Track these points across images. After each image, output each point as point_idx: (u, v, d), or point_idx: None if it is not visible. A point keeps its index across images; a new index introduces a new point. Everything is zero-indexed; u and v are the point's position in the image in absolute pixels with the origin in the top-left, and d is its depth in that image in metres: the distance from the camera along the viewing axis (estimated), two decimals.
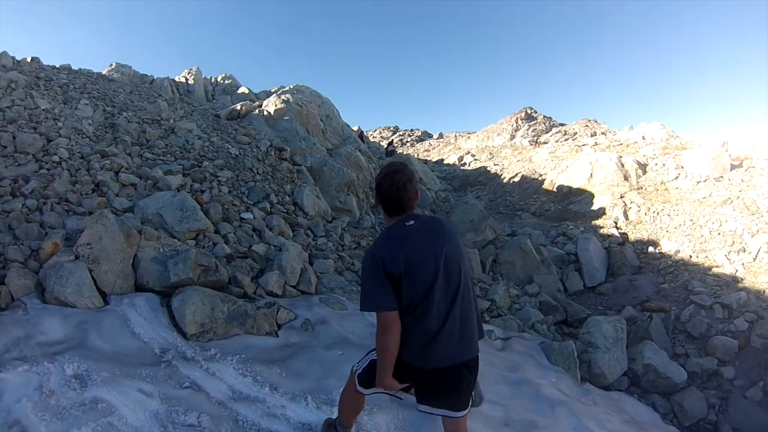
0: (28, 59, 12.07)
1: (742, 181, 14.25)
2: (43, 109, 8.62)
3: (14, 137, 7.19)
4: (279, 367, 4.09)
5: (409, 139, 42.38)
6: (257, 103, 13.99)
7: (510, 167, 22.36)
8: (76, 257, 4.65)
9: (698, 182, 14.80)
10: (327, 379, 4.02)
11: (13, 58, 11.39)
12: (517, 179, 20.10)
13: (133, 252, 5.06)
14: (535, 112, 35.95)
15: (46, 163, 6.84)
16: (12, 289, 4.20)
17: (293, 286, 5.93)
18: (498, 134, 33.08)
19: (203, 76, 17.44)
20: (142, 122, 9.78)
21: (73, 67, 13.24)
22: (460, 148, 32.58)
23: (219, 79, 18.90)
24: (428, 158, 30.31)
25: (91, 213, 5.67)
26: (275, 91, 16.16)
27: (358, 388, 2.84)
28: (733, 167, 15.18)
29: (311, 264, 6.64)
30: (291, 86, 14.79)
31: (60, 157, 7.03)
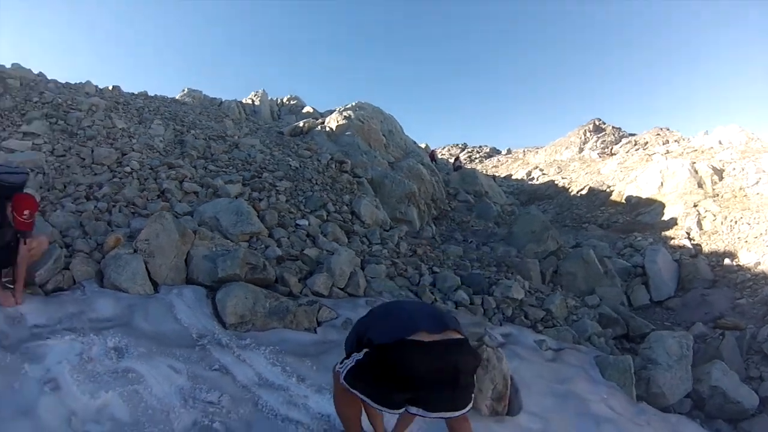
0: (110, 87, 13.18)
1: None
2: (120, 128, 9.38)
3: (92, 151, 7.86)
4: (311, 361, 4.12)
5: (477, 155, 42.15)
6: (320, 120, 14.45)
7: (578, 180, 21.77)
8: (135, 251, 4.96)
9: None
10: None
11: (96, 86, 12.50)
12: (584, 192, 19.49)
13: (187, 249, 5.36)
14: (604, 123, 34.93)
15: (119, 173, 7.36)
16: (75, 274, 4.54)
17: (341, 288, 5.99)
18: (566, 147, 32.37)
19: (269, 98, 18.24)
20: (208, 139, 10.32)
21: (149, 93, 14.28)
22: (528, 163, 32.13)
23: (285, 100, 19.69)
24: (496, 174, 29.99)
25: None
26: (339, 110, 16.61)
27: (343, 382, 2.57)
28: None
29: (362, 269, 6.68)
30: (353, 103, 15.19)
31: (132, 168, 7.54)
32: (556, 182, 22.88)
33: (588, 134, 33.42)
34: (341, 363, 2.65)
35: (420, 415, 2.44)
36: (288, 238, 6.75)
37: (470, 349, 2.49)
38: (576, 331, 6.95)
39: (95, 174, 7.31)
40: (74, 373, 3.19)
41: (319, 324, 4.93)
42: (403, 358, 2.31)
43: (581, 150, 30.83)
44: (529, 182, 25.25)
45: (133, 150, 8.37)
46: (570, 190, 20.79)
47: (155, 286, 4.81)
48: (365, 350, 2.50)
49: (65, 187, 6.69)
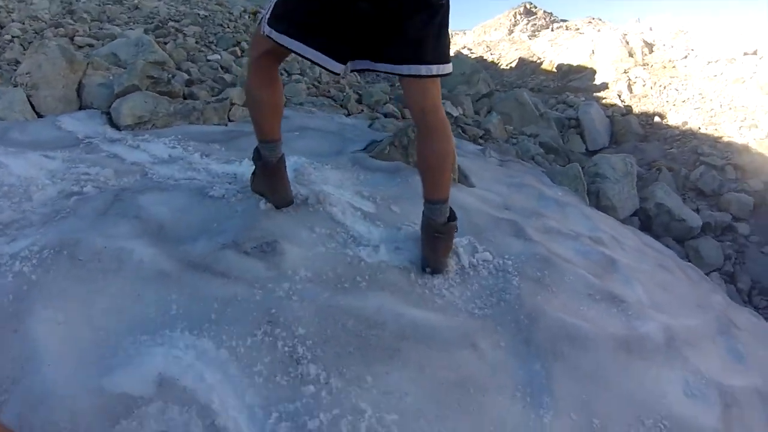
0: None
1: (756, 65, 13.45)
2: None
3: None
4: (220, 144, 3.58)
5: None
6: None
7: (507, 56, 21.58)
8: (14, 86, 4.25)
9: (709, 62, 14.18)
10: None
11: None
12: (514, 64, 19.45)
13: (78, 78, 4.56)
14: (535, 7, 34.43)
15: None
16: None
17: None
18: (495, 29, 31.69)
19: None
20: (102, 3, 9.18)
21: None
22: (455, 44, 31.49)
23: None
24: None
25: None
26: None
27: (265, 30, 1.84)
28: (746, 54, 14.39)
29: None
30: None
31: (12, 35, 6.61)
32: (485, 58, 22.57)
33: (518, 17, 32.83)
34: (265, 10, 1.88)
35: (368, 69, 1.87)
36: (198, 69, 5.99)
37: None
38: (519, 149, 6.61)
39: None
40: None
41: (231, 120, 4.42)
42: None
43: (511, 32, 30.28)
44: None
45: (13, 21, 7.32)
46: (499, 64, 20.64)
47: (39, 116, 4.13)
48: None
49: None
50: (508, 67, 19.50)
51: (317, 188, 2.62)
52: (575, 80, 15.29)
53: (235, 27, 8.58)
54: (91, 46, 6.44)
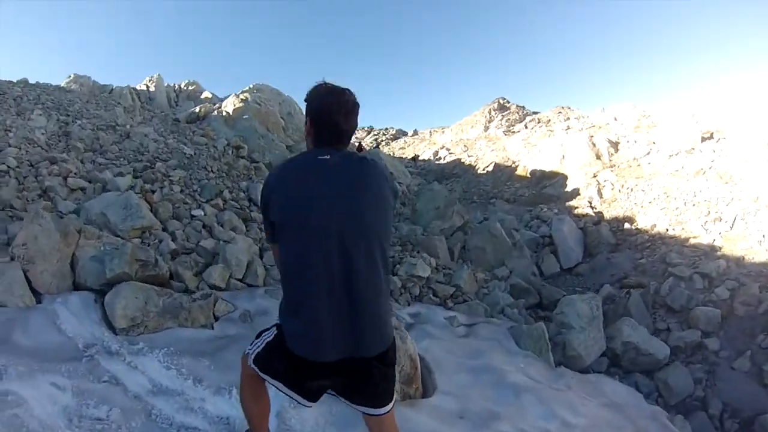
0: None
1: (714, 151, 14.28)
2: None
3: None
4: (209, 360, 4.02)
5: (384, 137, 42.07)
6: (217, 105, 13.97)
7: (484, 158, 22.50)
8: (12, 258, 4.59)
9: (670, 156, 14.91)
10: None
11: None
12: (490, 168, 20.22)
13: (71, 251, 4.99)
14: (508, 102, 35.87)
15: None
16: None
17: (239, 279, 5.86)
18: (472, 126, 33.01)
19: (165, 84, 17.28)
20: (96, 129, 9.68)
21: (30, 81, 13.24)
22: (435, 143, 32.51)
23: (183, 86, 18.77)
24: (403, 155, 30.30)
25: None
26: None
27: (252, 366, 2.33)
28: (704, 139, 15.26)
29: (261, 257, 6.54)
30: (251, 85, 14.79)
31: (8, 166, 6.93)
32: (462, 160, 23.48)
33: (493, 113, 34.16)
34: (251, 344, 2.37)
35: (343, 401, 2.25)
36: (183, 230, 6.52)
37: (391, 352, 2.23)
38: (488, 304, 7.17)
39: None
40: None
41: (216, 319, 4.83)
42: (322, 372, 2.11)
43: (487, 128, 31.57)
44: (436, 162, 25.69)
45: (10, 145, 7.67)
46: (476, 167, 21.46)
47: (38, 296, 4.48)
48: (274, 327, 2.28)
49: None
50: (484, 171, 20.29)
51: None
52: (549, 186, 16.01)
53: (218, 169, 9.19)
54: (83, 189, 6.91)
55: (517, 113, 33.63)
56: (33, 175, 6.97)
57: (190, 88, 18.60)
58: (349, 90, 2.16)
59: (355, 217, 1.96)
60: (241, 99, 13.39)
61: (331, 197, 1.96)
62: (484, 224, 10.76)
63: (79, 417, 3.07)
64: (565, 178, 16.11)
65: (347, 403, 2.22)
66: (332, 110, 2.09)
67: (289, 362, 2.10)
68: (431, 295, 7.05)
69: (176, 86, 18.59)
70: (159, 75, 16.82)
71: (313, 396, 2.24)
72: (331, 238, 1.93)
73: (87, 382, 3.42)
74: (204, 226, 6.92)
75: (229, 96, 15.92)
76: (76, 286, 4.82)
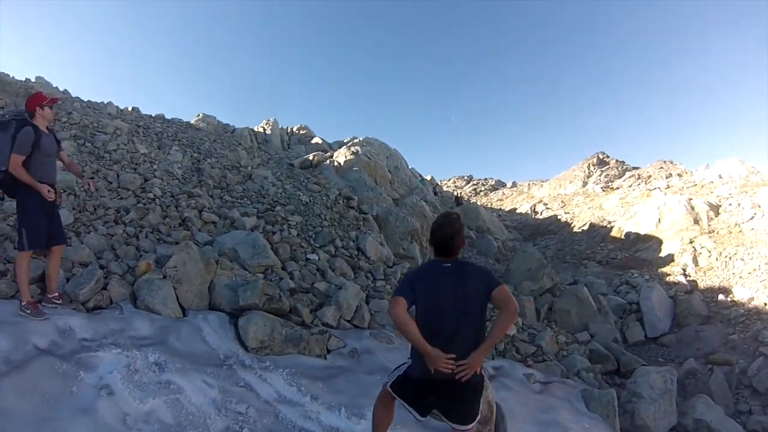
0: (129, 108, 14.11)
1: None
2: (142, 153, 10.14)
3: (118, 176, 8.58)
4: (322, 383, 4.79)
5: (483, 188, 42.81)
6: (329, 153, 15.24)
7: (580, 215, 22.53)
8: (164, 276, 5.65)
9: None
10: (361, 398, 4.63)
11: (117, 107, 13.47)
12: (585, 227, 20.25)
13: (210, 278, 6.07)
14: (608, 157, 35.61)
15: (143, 198, 8.09)
16: (112, 295, 5.23)
17: (348, 320, 6.63)
18: (570, 181, 33.09)
19: (280, 127, 19.12)
20: (223, 168, 11.12)
21: (166, 117, 15.16)
22: (533, 197, 32.80)
23: (295, 129, 20.59)
24: (501, 207, 30.72)
25: (177, 243, 6.69)
26: (347, 142, 17.42)
27: (388, 389, 3.40)
28: None
29: (367, 303, 7.30)
30: (361, 138, 16.01)
31: (154, 195, 8.27)
32: (559, 217, 23.66)
33: (592, 168, 34.10)
34: (389, 375, 3.48)
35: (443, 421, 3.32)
36: (299, 271, 7.40)
37: (478, 381, 3.25)
38: (565, 366, 7.43)
39: (121, 198, 8.00)
40: (124, 382, 3.88)
41: (329, 351, 5.60)
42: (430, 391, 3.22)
43: (585, 184, 31.54)
44: (534, 216, 25.94)
45: (155, 176, 9.10)
46: (572, 225, 21.56)
47: (183, 310, 5.50)
48: (404, 365, 3.38)
49: (95, 209, 7.36)
50: (580, 230, 20.25)
51: None
52: (642, 250, 15.70)
53: (331, 218, 10.21)
54: (214, 223, 8.06)
55: (617, 168, 33.24)
56: (174, 205, 8.22)
57: (301, 132, 20.33)
58: (455, 219, 3.32)
59: (464, 301, 3.10)
60: (352, 151, 14.61)
61: (450, 288, 3.13)
62: (572, 288, 11.00)
63: (225, 409, 3.94)
64: (660, 242, 15.72)
65: (445, 421, 3.31)
66: (439, 238, 3.26)
67: (412, 386, 3.25)
68: (514, 352, 7.46)
69: (289, 129, 20.43)
70: (275, 119, 18.59)
71: (424, 411, 3.30)
72: (449, 314, 3.09)
73: (228, 385, 4.31)
74: (318, 270, 7.80)
75: (337, 143, 17.23)
76: (212, 307, 5.84)
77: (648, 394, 6.58)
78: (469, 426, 3.26)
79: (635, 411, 6.42)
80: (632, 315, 11.37)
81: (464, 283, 3.15)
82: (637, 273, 14.01)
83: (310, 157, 14.43)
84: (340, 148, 15.90)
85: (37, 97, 4.60)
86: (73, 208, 7.09)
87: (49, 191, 4.51)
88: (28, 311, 4.40)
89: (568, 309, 10.14)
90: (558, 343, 8.34)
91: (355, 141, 15.74)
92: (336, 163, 14.10)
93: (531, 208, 28.41)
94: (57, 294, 4.79)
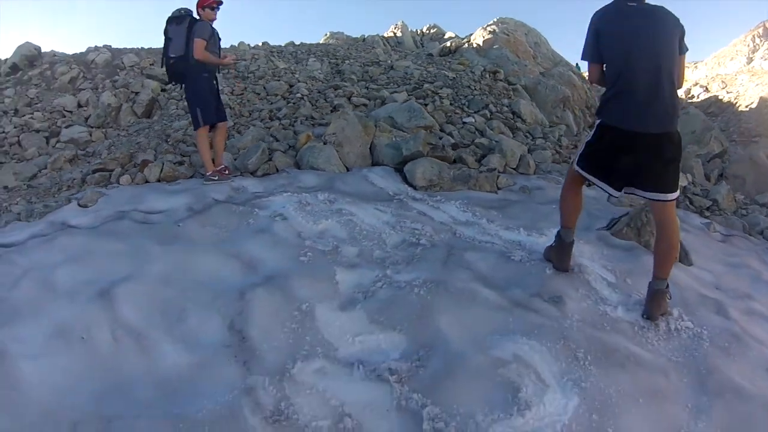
0: (260, 44, 14.92)
1: None
2: (282, 68, 10.64)
3: (264, 87, 9.10)
4: (497, 211, 4.67)
5: None
6: (465, 39, 14.67)
7: (746, 93, 19.70)
8: (325, 143, 5.88)
9: None
10: (539, 222, 4.42)
11: (248, 45, 14.49)
12: (754, 105, 17.79)
13: (370, 140, 6.21)
14: None
15: (292, 99, 8.47)
16: (277, 164, 5.57)
17: (513, 168, 6.40)
18: (731, 58, 28.69)
19: (409, 29, 18.84)
20: (363, 65, 11.22)
21: (295, 42, 15.70)
22: (687, 80, 28.90)
23: (425, 30, 20.20)
24: None
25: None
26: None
27: (576, 168, 3.21)
28: None
29: (530, 153, 7.00)
30: (495, 19, 15.06)
31: (302, 94, 8.62)
32: (720, 97, 20.87)
33: (757, 40, 29.12)
34: (574, 155, 3.29)
35: (635, 195, 3.05)
36: (458, 132, 7.27)
37: (676, 138, 2.94)
38: (747, 222, 6.40)
39: (271, 103, 8.45)
40: (297, 211, 4.19)
41: (499, 188, 5.45)
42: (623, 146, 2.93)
43: (750, 60, 27.07)
44: (689, 101, 22.86)
45: (299, 81, 9.48)
46: (737, 104, 19.05)
47: (346, 169, 5.69)
48: (596, 125, 3.13)
49: (250, 114, 7.86)
50: (747, 109, 17.77)
51: (578, 261, 3.63)
52: None
53: (480, 89, 9.82)
54: (365, 105, 8.14)
55: None
56: (323, 98, 8.48)
57: (432, 31, 19.84)
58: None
59: (655, 42, 2.82)
60: (489, 31, 13.90)
61: (638, 29, 2.84)
62: (745, 151, 9.66)
63: (400, 226, 4.04)
64: None
65: (640, 193, 3.00)
66: None
67: (602, 152, 3.04)
68: (688, 203, 6.55)
69: (419, 31, 19.94)
70: (402, 22, 18.20)
71: (618, 183, 3.04)
72: (641, 51, 2.82)
73: (402, 211, 4.40)
74: (476, 130, 7.58)
75: (471, 35, 16.49)
76: (374, 165, 5.94)
77: None
78: (672, 196, 2.95)
79: None
80: None
81: (657, 26, 2.85)
82: None
83: (448, 44, 14.03)
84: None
85: None
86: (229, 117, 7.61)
87: (232, 58, 5.33)
88: (216, 178, 4.98)
89: (742, 175, 8.81)
90: (736, 201, 7.18)
91: (491, 22, 14.89)
92: (475, 45, 13.54)
93: (686, 92, 24.93)
94: (224, 166, 5.26)
